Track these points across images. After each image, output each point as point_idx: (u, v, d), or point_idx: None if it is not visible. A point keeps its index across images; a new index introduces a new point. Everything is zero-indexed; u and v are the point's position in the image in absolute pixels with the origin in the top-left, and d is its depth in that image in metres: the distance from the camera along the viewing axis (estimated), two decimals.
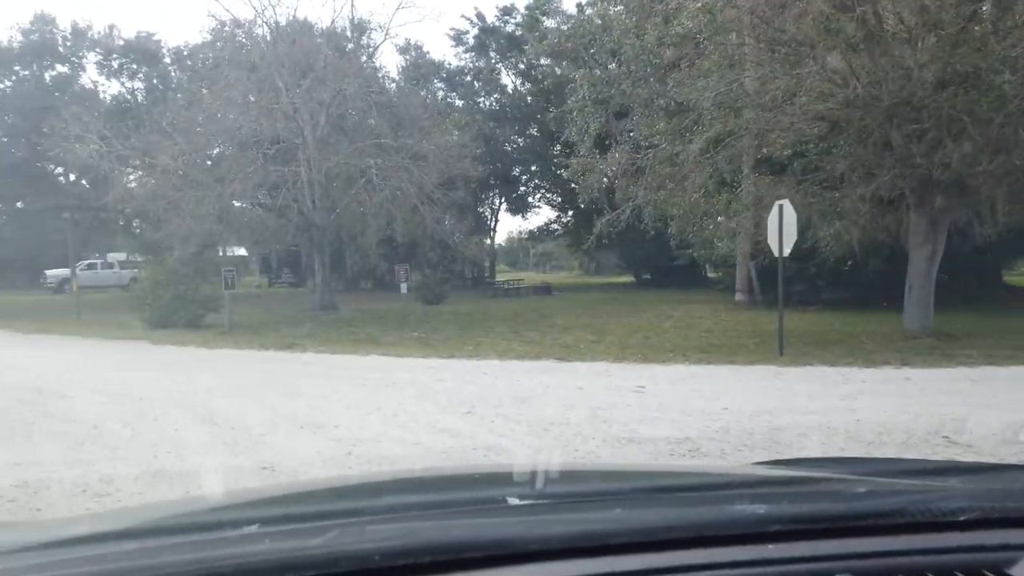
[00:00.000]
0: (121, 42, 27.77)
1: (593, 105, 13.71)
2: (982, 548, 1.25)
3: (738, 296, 23.28)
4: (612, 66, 13.24)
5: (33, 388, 8.99)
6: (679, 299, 27.28)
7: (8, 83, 27.19)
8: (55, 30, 27.28)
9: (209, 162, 21.41)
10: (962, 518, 1.30)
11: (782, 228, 11.30)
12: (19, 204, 32.11)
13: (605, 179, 15.37)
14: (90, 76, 28.48)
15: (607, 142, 16.24)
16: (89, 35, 27.89)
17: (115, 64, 27.56)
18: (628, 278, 49.32)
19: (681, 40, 11.74)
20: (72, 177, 34.67)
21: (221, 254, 38.51)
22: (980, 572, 1.18)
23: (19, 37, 27.16)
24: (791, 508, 1.44)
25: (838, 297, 21.68)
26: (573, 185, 17.74)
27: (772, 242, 11.57)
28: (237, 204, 19.56)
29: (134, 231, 37.06)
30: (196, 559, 1.12)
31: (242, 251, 38.78)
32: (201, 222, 18.20)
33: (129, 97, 27.96)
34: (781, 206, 11.39)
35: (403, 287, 25.70)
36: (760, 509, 1.42)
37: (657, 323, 18.32)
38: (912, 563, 1.21)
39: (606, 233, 16.42)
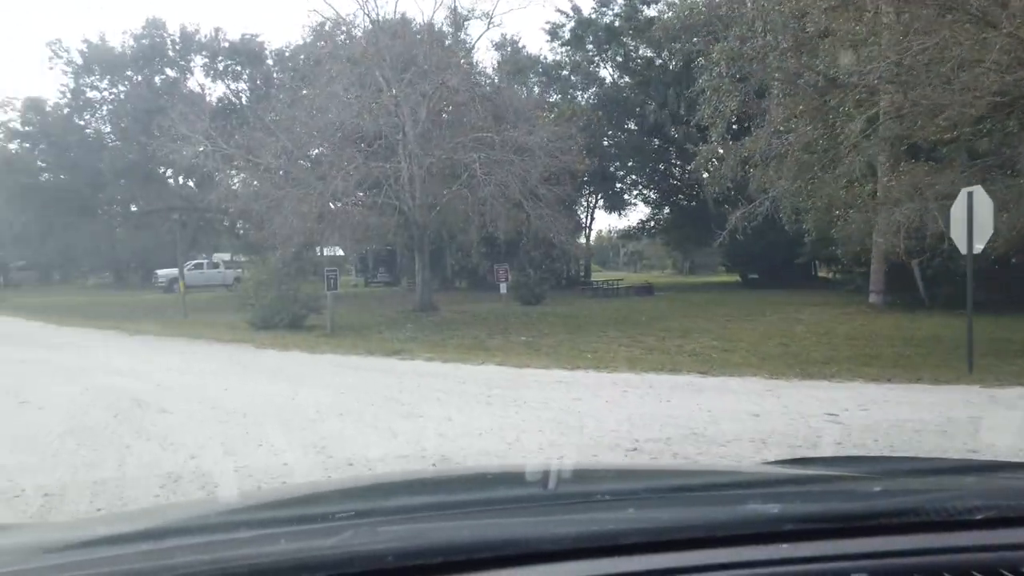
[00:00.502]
0: (226, 44, 27.76)
1: (731, 83, 12.10)
2: (999, 547, 1.21)
3: (872, 298, 20.96)
4: (750, 40, 11.57)
5: (133, 398, 8.18)
6: (797, 301, 25.07)
7: (122, 88, 27.60)
8: (165, 34, 27.51)
9: (309, 162, 20.83)
10: (978, 517, 1.28)
11: (972, 219, 9.39)
12: (133, 208, 32.83)
13: (739, 167, 13.66)
14: (197, 79, 28.64)
15: (746, 124, 14.43)
16: (196, 38, 28.00)
17: (220, 66, 27.60)
18: (729, 277, 46.83)
19: (841, 3, 9.95)
20: (180, 180, 35.32)
21: (319, 254, 38.63)
22: (998, 571, 1.15)
23: (131, 43, 27.55)
24: (805, 507, 1.43)
25: (987, 299, 19.13)
26: (704, 174, 16.03)
27: (957, 236, 9.67)
28: (334, 205, 18.75)
29: (237, 232, 37.52)
30: (211, 560, 1.12)
31: (337, 251, 38.75)
32: (303, 220, 17.49)
33: (233, 98, 27.95)
34: (971, 194, 9.48)
35: (502, 287, 24.57)
36: (773, 508, 1.39)
37: (786, 328, 16.43)
38: (928, 562, 1.18)
39: (738, 228, 14.67)
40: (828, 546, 1.21)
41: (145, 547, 1.25)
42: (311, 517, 1.46)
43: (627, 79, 38.13)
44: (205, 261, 43.57)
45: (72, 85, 26.68)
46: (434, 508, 1.55)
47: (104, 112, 27.48)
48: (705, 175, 16.15)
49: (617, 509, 1.46)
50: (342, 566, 1.09)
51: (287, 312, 17.45)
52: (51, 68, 25.60)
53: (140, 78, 26.62)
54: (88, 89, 27.02)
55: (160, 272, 41.92)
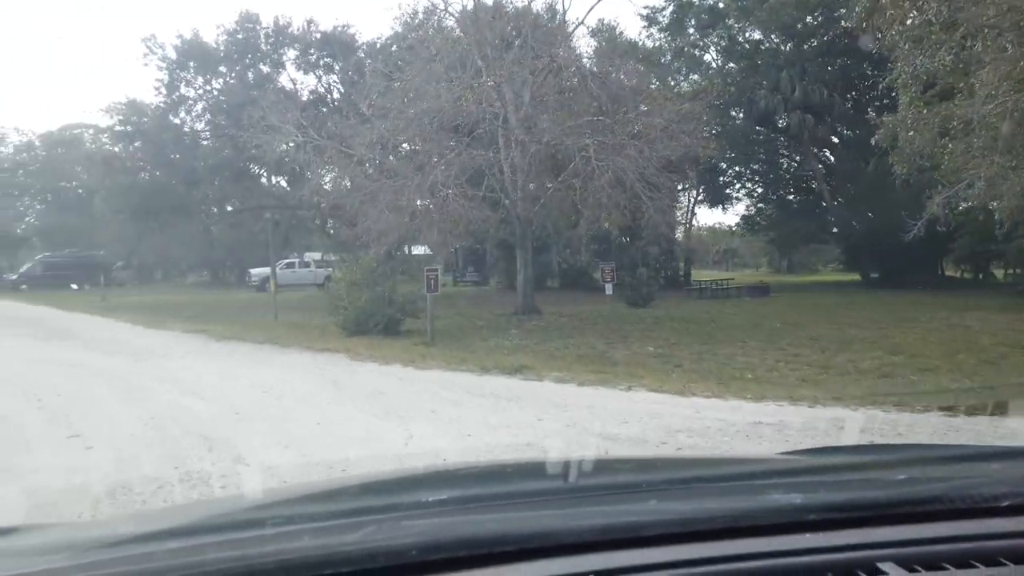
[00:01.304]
0: (318, 36, 26.40)
1: (942, 30, 9.37)
2: None
3: None
4: None
5: (203, 435, 6.28)
6: (946, 303, 21.70)
7: (215, 84, 26.65)
8: (258, 27, 26.35)
9: (404, 153, 18.97)
10: (1005, 504, 1.26)
11: None
12: (228, 207, 32.11)
13: (935, 141, 10.87)
14: (289, 74, 27.41)
15: (940, 87, 11.56)
16: (289, 31, 26.76)
17: (312, 58, 26.27)
18: (842, 276, 42.99)
19: None
20: (274, 179, 34.44)
21: (406, 252, 37.14)
22: None
23: (225, 37, 26.54)
24: (828, 496, 1.40)
25: None
26: (890, 150, 13.22)
27: None
28: (432, 198, 16.75)
29: (327, 230, 36.47)
30: (239, 556, 1.12)
31: (422, 249, 37.26)
32: (399, 214, 15.59)
33: (325, 90, 26.59)
34: None
35: (608, 287, 22.20)
36: (796, 498, 1.37)
37: (969, 338, 13.44)
38: (955, 550, 1.15)
39: (939, 217, 11.80)
40: (852, 535, 1.17)
41: (174, 545, 1.23)
42: (335, 513, 1.43)
43: (733, 64, 35.05)
44: (296, 260, 42.92)
45: (167, 80, 25.71)
46: (456, 502, 1.51)
47: (199, 109, 26.50)
48: (892, 151, 13.21)
49: (639, 500, 1.44)
50: (366, 561, 1.09)
51: (382, 316, 15.60)
52: (146, 64, 24.26)
53: (233, 73, 25.49)
54: (182, 85, 26.04)
55: (253, 271, 41.48)
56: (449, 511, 1.42)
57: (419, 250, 36.76)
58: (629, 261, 32.68)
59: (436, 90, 17.29)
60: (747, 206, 42.67)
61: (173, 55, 26.18)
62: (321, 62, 26.17)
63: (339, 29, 26.64)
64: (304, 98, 26.26)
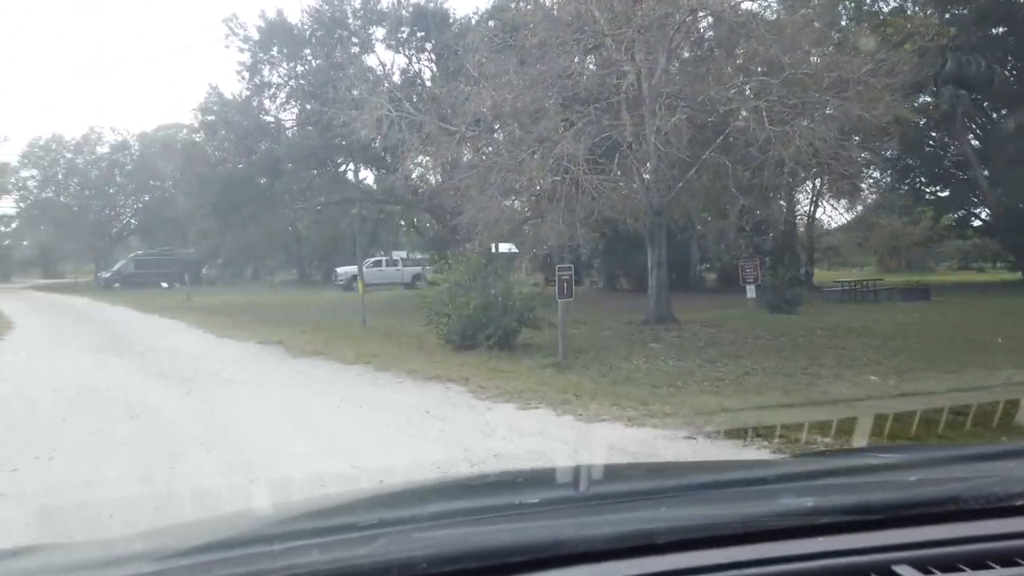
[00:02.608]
0: (409, 11, 23.33)
1: None
2: None
3: None
4: None
5: None
6: None
7: (300, 66, 23.99)
8: (346, 4, 23.52)
9: (510, 130, 15.49)
10: (1020, 503, 1.23)
11: None
12: (312, 200, 29.57)
13: None
14: (378, 55, 24.49)
15: None
16: (377, 7, 23.82)
17: (403, 35, 23.26)
18: (989, 276, 37.30)
19: None
20: (361, 170, 31.78)
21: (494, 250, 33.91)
22: None
23: (309, 16, 23.84)
24: (840, 499, 1.35)
25: None
26: None
27: None
28: (541, 183, 13.17)
29: (417, 224, 33.67)
30: (249, 572, 1.12)
31: (506, 247, 33.88)
32: (515, 199, 12.16)
33: (415, 67, 23.53)
34: None
35: (750, 289, 18.26)
36: (808, 502, 1.34)
37: None
38: (971, 551, 1.13)
39: None
40: (866, 538, 1.15)
41: (184, 563, 1.20)
42: (345, 527, 1.39)
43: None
44: (384, 258, 40.44)
45: (249, 63, 23.18)
46: (467, 513, 1.44)
47: (283, 94, 23.89)
48: None
49: (650, 508, 1.41)
50: (378, 575, 1.08)
51: (496, 326, 12.21)
52: (227, 47, 21.49)
53: (318, 54, 22.74)
54: (265, 69, 23.49)
55: (339, 270, 39.24)
56: (460, 522, 1.35)
57: (511, 248, 33.62)
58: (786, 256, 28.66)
59: (553, 53, 13.73)
60: (872, 194, 37.47)
61: (255, 36, 23.68)
62: (413, 39, 23.10)
63: (432, 3, 23.52)
64: (395, 78, 23.26)
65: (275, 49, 23.81)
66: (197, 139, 26.16)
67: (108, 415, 7.18)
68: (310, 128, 23.40)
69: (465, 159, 14.57)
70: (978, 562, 1.11)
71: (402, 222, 44.94)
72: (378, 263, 39.05)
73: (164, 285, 39.05)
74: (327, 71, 22.20)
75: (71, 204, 51.91)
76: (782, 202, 27.52)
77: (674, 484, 1.68)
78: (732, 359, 11.33)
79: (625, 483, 1.83)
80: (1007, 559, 1.11)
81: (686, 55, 14.02)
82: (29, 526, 3.64)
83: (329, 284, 41.58)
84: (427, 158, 14.70)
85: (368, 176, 35.41)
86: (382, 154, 22.11)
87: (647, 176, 13.45)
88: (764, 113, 11.86)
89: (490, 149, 14.38)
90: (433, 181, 16.83)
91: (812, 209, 35.98)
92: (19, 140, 71.88)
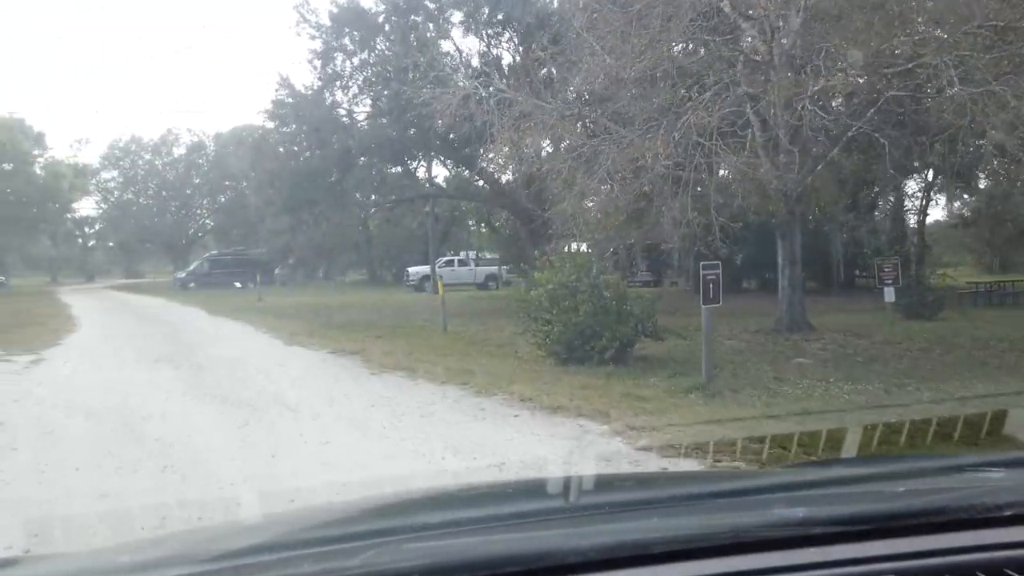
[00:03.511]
0: None
1: None
2: None
3: None
4: None
5: None
6: None
7: (372, 54, 22.26)
8: None
9: (616, 108, 13.17)
10: (1008, 513, 1.22)
11: None
12: (386, 202, 27.81)
13: None
14: (454, 40, 22.54)
15: None
16: None
17: (483, 16, 21.23)
18: None
19: None
20: (435, 164, 29.99)
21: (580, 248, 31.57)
22: None
23: (382, 4, 22.09)
24: (831, 510, 1.35)
25: None
26: None
27: None
28: (664, 164, 10.77)
29: (494, 223, 31.73)
30: None
31: (578, 246, 31.42)
32: (632, 183, 9.90)
33: (496, 52, 21.46)
34: None
35: (888, 292, 15.45)
36: (799, 512, 1.33)
37: None
38: (959, 562, 1.12)
39: None
40: (856, 549, 1.14)
41: (172, 573, 1.18)
42: (335, 537, 1.34)
43: None
44: (456, 258, 38.71)
45: (320, 50, 21.55)
46: (457, 524, 1.40)
47: (356, 83, 22.20)
48: None
49: (641, 518, 1.40)
50: None
51: (611, 337, 9.96)
52: (298, 35, 19.87)
53: (392, 39, 20.95)
54: (338, 55, 21.82)
55: (411, 270, 37.73)
56: (451, 533, 1.31)
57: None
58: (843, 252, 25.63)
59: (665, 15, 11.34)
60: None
61: (327, 22, 22.07)
62: (495, 19, 21.04)
63: None
64: (474, 63, 21.25)
65: (347, 37, 22.14)
66: (267, 133, 24.77)
67: (135, 461, 5.28)
68: (384, 120, 21.63)
69: (564, 143, 12.35)
70: (967, 573, 1.10)
71: (471, 222, 43.19)
72: (450, 263, 37.37)
73: (237, 285, 38.25)
74: (402, 57, 20.38)
75: (150, 205, 52.22)
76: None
77: (665, 494, 1.66)
78: (913, 380, 8.82)
79: (616, 493, 1.79)
80: (995, 570, 1.10)
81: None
82: None
83: (400, 284, 40.17)
84: (519, 140, 12.48)
85: (440, 173, 33.78)
86: (461, 145, 20.15)
87: (792, 155, 10.92)
88: (953, 71, 9.19)
89: (592, 126, 12.13)
90: (522, 168, 14.61)
91: (924, 201, 32.31)
92: (100, 142, 73.82)
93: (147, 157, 51.86)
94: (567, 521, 1.43)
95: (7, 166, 37.28)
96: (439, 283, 16.37)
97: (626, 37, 10.91)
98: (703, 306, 8.43)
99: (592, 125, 12.09)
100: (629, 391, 7.76)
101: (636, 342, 10.64)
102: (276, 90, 23.38)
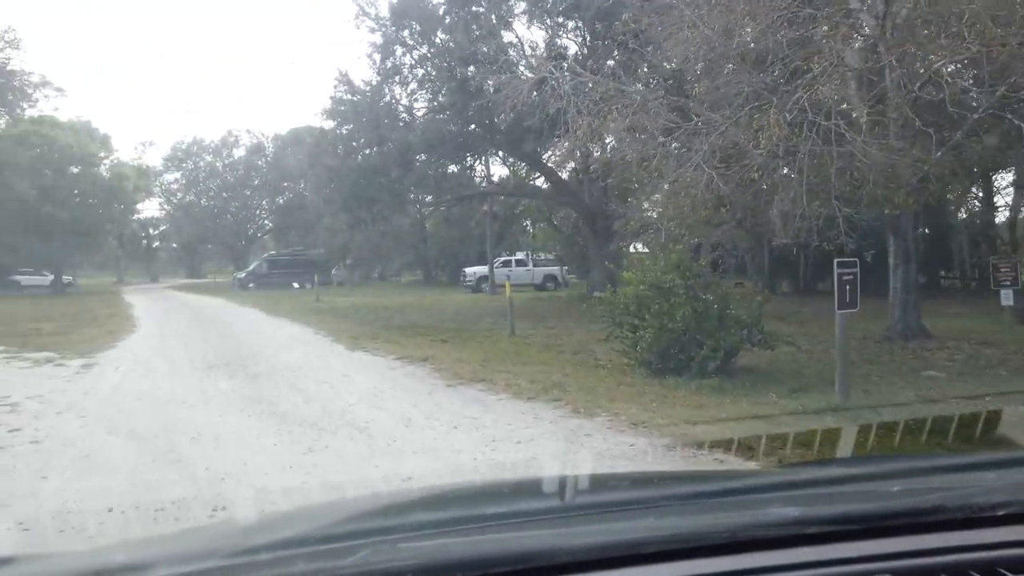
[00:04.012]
0: None
1: None
2: None
3: None
4: None
5: None
6: None
7: (435, 46, 21.30)
8: None
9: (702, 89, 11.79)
10: (1001, 513, 1.21)
11: None
12: (444, 200, 26.79)
13: None
14: (516, 32, 21.41)
15: None
16: None
17: (547, 5, 20.03)
18: None
19: None
20: (493, 169, 28.95)
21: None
22: None
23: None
24: (826, 509, 1.35)
25: None
26: None
27: None
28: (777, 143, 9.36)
29: (555, 221, 30.44)
30: None
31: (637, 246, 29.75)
32: (736, 167, 8.59)
33: (562, 40, 20.22)
34: None
35: (1006, 295, 13.73)
36: (794, 511, 1.31)
37: None
38: (952, 561, 1.12)
39: None
40: (850, 548, 1.13)
41: (164, 572, 1.16)
42: (330, 536, 1.33)
43: None
44: (513, 258, 37.61)
45: (380, 43, 20.69)
46: (452, 523, 1.40)
47: (416, 76, 21.25)
48: None
49: (636, 518, 1.38)
50: None
51: (715, 345, 8.65)
52: (357, 27, 19.08)
53: (455, 30, 19.92)
54: (397, 48, 20.91)
55: (468, 270, 36.81)
56: (445, 532, 1.30)
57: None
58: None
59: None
60: None
61: (387, 14, 21.19)
62: (561, 6, 19.79)
63: None
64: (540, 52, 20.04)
65: (407, 29, 21.23)
66: (326, 132, 24.11)
67: (181, 502, 4.27)
68: (444, 115, 20.62)
69: (649, 128, 11.02)
70: (960, 572, 1.09)
71: (526, 222, 42.01)
72: (507, 263, 36.30)
73: (295, 286, 37.97)
74: (464, 47, 19.34)
75: (211, 206, 52.68)
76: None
77: (660, 494, 1.64)
78: None
79: (611, 493, 1.78)
80: (989, 569, 1.09)
81: None
82: None
83: (456, 285, 39.30)
84: (599, 126, 11.23)
85: (496, 172, 32.71)
86: (527, 139, 18.96)
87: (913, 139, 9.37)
88: None
89: (684, 109, 10.77)
90: (602, 156, 13.37)
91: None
92: (164, 145, 75.71)
93: (208, 159, 52.33)
94: (562, 520, 1.41)
95: (75, 169, 37.72)
96: (507, 284, 15.23)
97: (730, 8, 9.56)
98: (838, 311, 7.06)
99: (684, 108, 10.74)
100: (755, 412, 6.47)
101: (739, 351, 9.31)
102: (335, 87, 22.71)
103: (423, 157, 21.41)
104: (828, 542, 1.15)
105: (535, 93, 12.62)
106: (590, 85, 11.85)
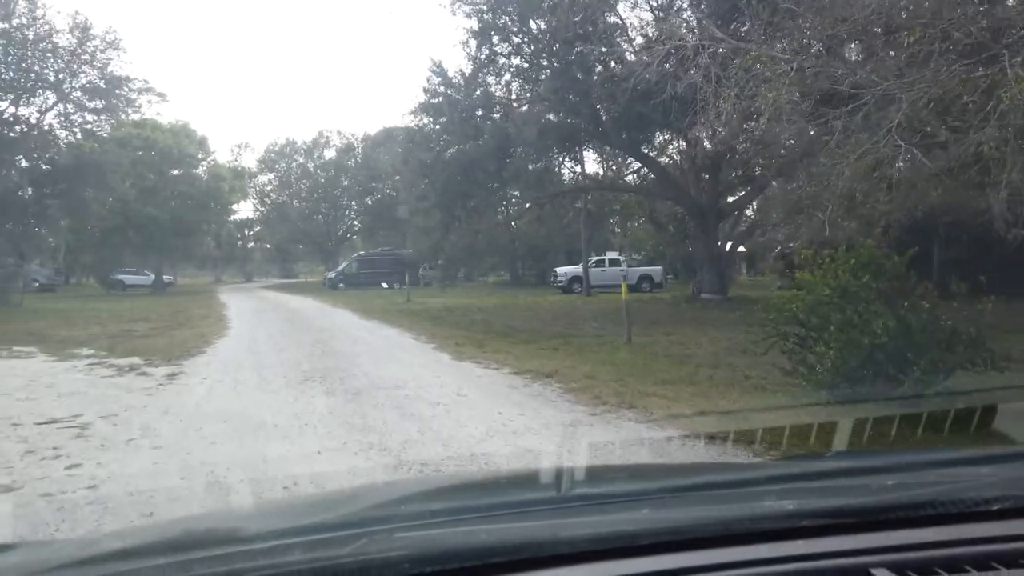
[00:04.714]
0: None
1: None
2: (1018, 537, 1.15)
3: None
4: None
5: None
6: None
7: (535, 30, 19.76)
8: None
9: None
10: (995, 507, 1.22)
11: None
12: (542, 195, 25.07)
13: None
14: (619, 14, 19.56)
15: None
16: None
17: None
18: None
19: None
20: (589, 162, 27.16)
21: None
22: (1017, 562, 1.09)
23: None
24: (820, 502, 1.34)
25: None
26: None
27: None
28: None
29: (659, 219, 28.35)
30: (227, 571, 1.07)
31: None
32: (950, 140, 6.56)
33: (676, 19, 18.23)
34: None
35: None
36: (789, 504, 1.31)
37: None
38: (948, 555, 1.12)
39: None
40: (846, 541, 1.14)
41: (161, 560, 1.14)
42: (326, 526, 1.31)
43: None
44: (607, 258, 35.71)
45: (476, 28, 19.32)
46: (449, 513, 1.39)
47: (513, 66, 19.78)
48: None
49: (632, 509, 1.38)
50: (359, 574, 1.04)
51: (931, 366, 6.64)
52: (453, 13, 17.82)
53: (554, 15, 18.28)
54: (494, 35, 19.49)
55: (559, 270, 35.19)
56: (441, 523, 1.29)
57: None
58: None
59: None
60: None
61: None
62: None
63: None
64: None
65: (505, 15, 19.76)
66: (420, 126, 23.01)
67: None
68: (544, 104, 19.04)
69: (809, 98, 9.04)
70: (954, 566, 1.08)
71: (612, 221, 39.97)
72: (600, 263, 34.47)
73: (384, 285, 37.35)
74: (566, 30, 17.69)
75: (302, 207, 53.08)
76: None
77: (656, 486, 1.62)
78: None
79: (607, 485, 1.75)
80: (983, 563, 1.09)
81: None
82: None
83: (544, 286, 37.76)
84: (752, 95, 9.34)
85: (589, 168, 30.89)
86: (643, 124, 17.19)
87: None
88: None
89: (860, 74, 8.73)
90: (758, 129, 11.41)
91: None
92: (258, 146, 77.43)
93: (300, 160, 52.73)
94: (558, 512, 1.40)
95: (175, 171, 38.31)
96: (623, 286, 13.46)
97: None
98: None
99: (852, 74, 8.71)
100: None
101: (952, 370, 7.24)
102: (428, 79, 21.53)
103: (520, 151, 19.91)
104: (823, 535, 1.14)
105: (667, 65, 10.80)
106: (732, 57, 9.97)
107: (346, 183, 52.19)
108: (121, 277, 40.39)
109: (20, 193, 25.40)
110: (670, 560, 1.08)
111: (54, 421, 6.28)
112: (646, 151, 22.99)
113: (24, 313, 20.50)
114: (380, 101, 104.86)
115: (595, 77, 17.37)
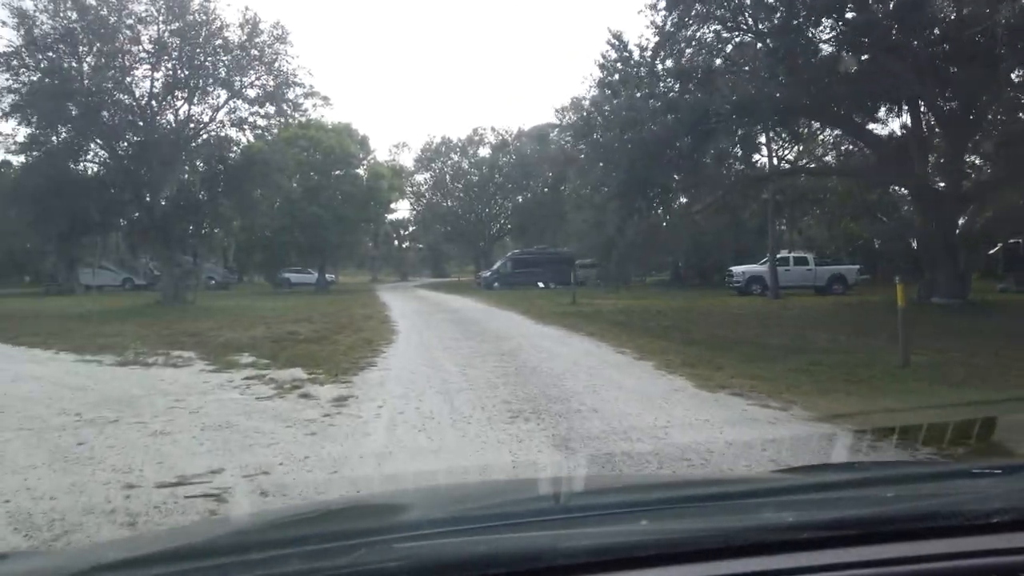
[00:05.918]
0: None
1: None
2: (1019, 551, 1.11)
3: None
4: None
5: None
6: None
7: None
8: None
9: None
10: (995, 520, 1.18)
11: None
12: (735, 183, 21.68)
13: None
14: None
15: None
16: None
17: None
18: None
19: None
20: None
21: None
22: (1020, 575, 1.07)
23: None
24: (820, 515, 1.30)
25: None
26: None
27: None
28: None
29: (873, 209, 24.07)
30: None
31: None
32: None
33: None
34: None
35: None
36: (789, 517, 1.28)
37: None
38: (947, 568, 1.10)
39: None
40: (845, 554, 1.11)
41: (157, 571, 1.13)
42: (324, 535, 1.31)
43: None
44: (791, 255, 31.32)
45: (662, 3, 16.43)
46: (447, 523, 1.34)
47: (714, 26, 16.71)
48: None
49: (631, 521, 1.34)
50: None
51: None
52: None
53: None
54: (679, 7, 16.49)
55: (735, 269, 31.20)
56: (440, 533, 1.25)
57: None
58: None
59: None
60: None
61: None
62: None
63: None
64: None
65: None
66: (588, 112, 20.54)
67: None
68: (764, 74, 15.78)
69: None
70: None
71: (805, 217, 35.25)
72: (784, 261, 30.16)
73: (540, 285, 35.30)
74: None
75: (456, 206, 52.43)
76: None
77: (656, 498, 1.61)
78: None
79: (607, 496, 1.73)
80: None
81: None
82: None
83: (710, 286, 34.03)
84: None
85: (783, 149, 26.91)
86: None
87: None
88: None
89: None
90: None
91: None
92: (415, 145, 79.08)
93: (455, 158, 52.08)
94: (557, 522, 1.38)
95: (337, 171, 38.40)
96: (898, 288, 9.99)
97: None
98: None
99: None
100: None
101: None
102: (604, 53, 18.88)
103: (719, 124, 16.71)
104: (823, 547, 1.11)
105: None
106: None
107: (499, 179, 50.87)
108: (287, 275, 41.25)
109: (194, 192, 25.64)
110: (670, 572, 1.06)
111: (183, 482, 4.25)
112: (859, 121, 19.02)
113: (195, 311, 20.18)
114: (535, 96, 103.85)
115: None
